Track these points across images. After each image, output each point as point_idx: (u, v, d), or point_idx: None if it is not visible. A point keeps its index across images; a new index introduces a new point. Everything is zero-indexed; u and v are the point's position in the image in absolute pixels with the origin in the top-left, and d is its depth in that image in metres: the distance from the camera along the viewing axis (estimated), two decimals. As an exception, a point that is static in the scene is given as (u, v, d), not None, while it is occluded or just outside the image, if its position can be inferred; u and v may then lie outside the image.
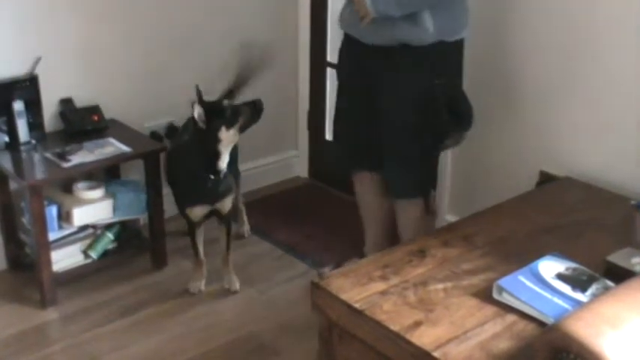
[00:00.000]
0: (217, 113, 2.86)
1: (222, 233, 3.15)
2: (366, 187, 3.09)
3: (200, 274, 3.18)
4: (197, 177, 2.96)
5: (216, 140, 2.87)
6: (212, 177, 2.94)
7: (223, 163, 2.95)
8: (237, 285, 3.18)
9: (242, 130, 2.93)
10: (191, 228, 3.12)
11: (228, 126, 2.86)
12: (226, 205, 3.09)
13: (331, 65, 3.98)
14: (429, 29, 2.61)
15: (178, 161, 3.09)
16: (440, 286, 2.20)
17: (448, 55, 2.74)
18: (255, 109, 2.92)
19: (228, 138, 2.89)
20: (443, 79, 2.69)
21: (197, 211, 3.05)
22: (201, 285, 3.19)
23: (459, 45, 2.77)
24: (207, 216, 3.11)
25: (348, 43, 2.89)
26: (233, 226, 3.26)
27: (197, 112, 2.81)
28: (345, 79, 3.01)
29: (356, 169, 3.09)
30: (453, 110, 2.70)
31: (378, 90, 2.78)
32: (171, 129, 3.61)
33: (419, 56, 2.66)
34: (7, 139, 3.07)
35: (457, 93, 2.77)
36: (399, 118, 2.76)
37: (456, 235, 2.49)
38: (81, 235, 3.17)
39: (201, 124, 2.83)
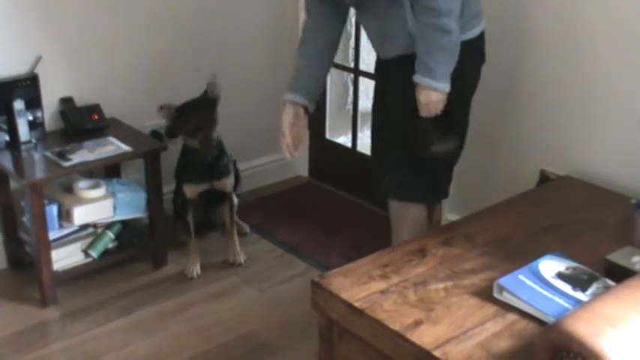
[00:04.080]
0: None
1: (226, 209, 3.36)
2: None
3: (195, 257, 3.28)
4: (189, 151, 3.24)
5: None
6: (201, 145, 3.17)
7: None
8: (241, 258, 3.34)
9: (188, 133, 3.20)
10: (184, 206, 3.28)
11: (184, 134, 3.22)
12: (226, 184, 3.30)
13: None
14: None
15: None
16: (440, 285, 2.20)
17: None
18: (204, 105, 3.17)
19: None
20: None
21: (193, 189, 3.24)
22: (198, 269, 3.27)
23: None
24: (204, 198, 3.29)
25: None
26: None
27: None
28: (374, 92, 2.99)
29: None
30: (440, 118, 2.58)
31: (384, 95, 2.79)
32: (171, 128, 3.62)
33: (412, 65, 2.60)
34: (7, 138, 3.07)
35: (453, 103, 2.62)
36: (390, 118, 2.75)
37: (457, 234, 2.49)
38: (81, 234, 3.16)
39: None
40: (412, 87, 2.61)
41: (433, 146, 2.62)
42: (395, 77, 2.73)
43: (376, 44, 2.76)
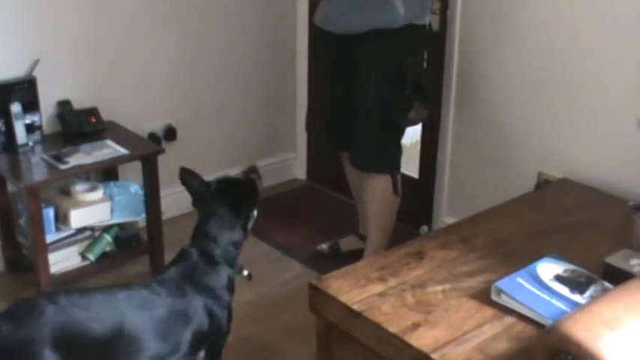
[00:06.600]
0: None
1: None
2: (350, 168, 3.22)
3: None
4: None
5: None
6: None
7: None
8: None
9: None
10: None
11: None
12: None
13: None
14: (399, 14, 2.79)
15: None
16: (438, 287, 2.20)
17: (417, 37, 2.95)
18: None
19: None
20: (413, 58, 2.90)
21: None
22: None
23: (424, 29, 2.98)
24: None
25: (322, 37, 3.06)
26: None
27: None
28: (321, 71, 3.21)
29: (340, 150, 3.25)
30: (418, 86, 2.87)
31: (353, 71, 2.93)
32: (169, 131, 3.62)
33: (391, 38, 2.84)
34: (4, 140, 3.07)
35: (423, 71, 2.98)
36: (368, 88, 2.91)
37: (455, 236, 2.49)
38: (78, 237, 3.16)
39: None
40: (389, 60, 2.85)
41: (412, 113, 2.89)
42: (369, 54, 2.88)
43: (342, 14, 2.89)
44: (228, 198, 2.37)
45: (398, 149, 3.05)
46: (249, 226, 2.43)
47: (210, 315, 2.27)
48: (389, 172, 3.04)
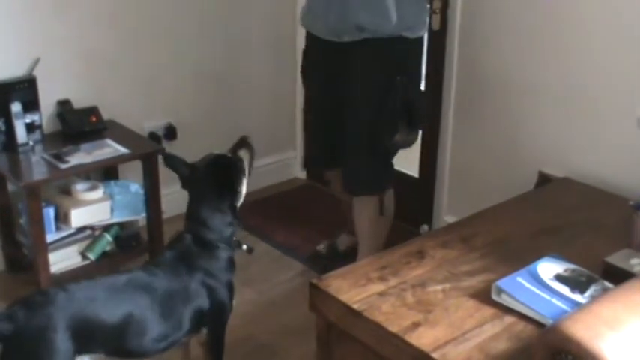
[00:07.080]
0: None
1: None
2: (338, 186, 3.16)
3: None
4: None
5: None
6: None
7: None
8: None
9: None
10: None
11: None
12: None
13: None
14: (391, 19, 2.65)
15: None
16: (438, 287, 2.20)
17: (409, 53, 2.80)
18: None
19: None
20: (404, 77, 2.73)
21: None
22: None
23: (419, 43, 2.86)
24: None
25: (311, 41, 2.95)
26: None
27: None
28: (310, 79, 3.08)
29: (327, 167, 3.19)
30: (406, 107, 2.74)
31: (340, 84, 2.83)
32: (169, 130, 3.62)
33: (380, 51, 2.71)
34: (4, 140, 3.06)
35: (414, 91, 2.81)
36: (358, 112, 2.81)
37: (455, 236, 2.49)
38: (79, 236, 3.16)
39: None
40: (377, 72, 2.70)
41: (397, 135, 2.74)
42: (357, 64, 2.75)
43: (335, 19, 2.73)
44: (213, 180, 2.38)
45: (388, 169, 2.96)
46: (238, 203, 2.44)
47: (210, 292, 2.31)
48: (378, 194, 2.96)
